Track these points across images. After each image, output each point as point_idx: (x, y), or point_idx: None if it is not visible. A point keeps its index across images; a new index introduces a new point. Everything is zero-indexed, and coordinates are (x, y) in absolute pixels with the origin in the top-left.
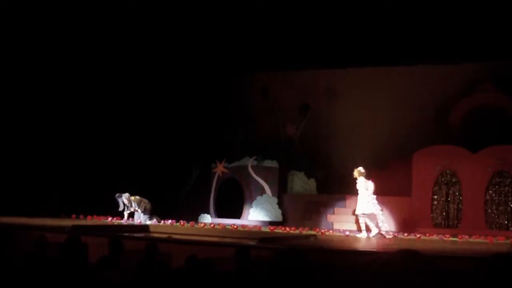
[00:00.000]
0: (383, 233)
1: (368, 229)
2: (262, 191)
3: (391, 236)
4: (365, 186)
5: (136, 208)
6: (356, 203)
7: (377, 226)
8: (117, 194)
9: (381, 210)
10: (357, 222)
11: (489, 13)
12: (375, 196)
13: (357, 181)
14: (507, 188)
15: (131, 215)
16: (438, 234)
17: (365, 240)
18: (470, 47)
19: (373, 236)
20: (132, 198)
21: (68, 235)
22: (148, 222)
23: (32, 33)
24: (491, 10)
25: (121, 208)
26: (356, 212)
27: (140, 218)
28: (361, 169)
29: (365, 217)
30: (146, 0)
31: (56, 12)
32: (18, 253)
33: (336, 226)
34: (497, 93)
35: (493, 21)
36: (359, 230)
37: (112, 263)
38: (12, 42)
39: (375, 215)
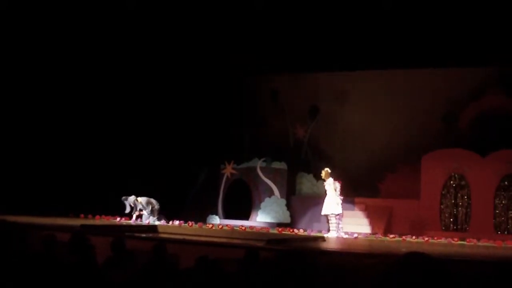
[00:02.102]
0: (342, 233)
1: (329, 229)
2: (270, 193)
3: (352, 237)
4: (333, 187)
5: (144, 211)
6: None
7: (337, 226)
8: (123, 197)
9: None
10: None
11: (497, 17)
12: (342, 197)
13: (325, 182)
14: None
15: (140, 216)
16: (446, 237)
17: (332, 239)
18: (479, 51)
19: (332, 236)
20: (139, 199)
21: (73, 233)
22: (157, 223)
23: (32, 33)
24: (499, 14)
25: (127, 211)
26: (325, 213)
27: (149, 219)
28: (328, 170)
29: (332, 217)
30: (157, 2)
31: (56, 12)
32: (26, 252)
33: (345, 228)
34: (505, 97)
35: (501, 25)
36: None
37: (117, 264)
38: (12, 42)
39: (342, 215)
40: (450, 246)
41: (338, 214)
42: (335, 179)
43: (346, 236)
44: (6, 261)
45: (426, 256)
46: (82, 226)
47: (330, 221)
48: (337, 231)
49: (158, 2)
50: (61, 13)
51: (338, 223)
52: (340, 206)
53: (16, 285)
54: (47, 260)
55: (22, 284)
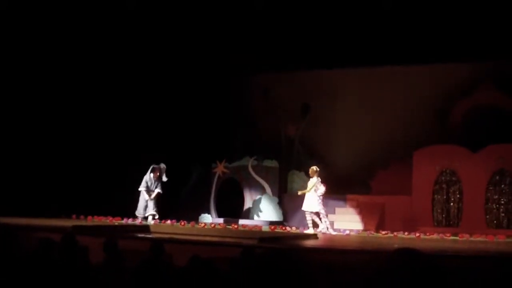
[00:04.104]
0: (326, 230)
1: (315, 225)
2: (262, 191)
3: (343, 234)
4: (315, 187)
5: (164, 179)
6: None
7: (313, 223)
8: (153, 166)
9: (324, 210)
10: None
11: (489, 13)
12: (322, 197)
13: (310, 178)
14: (507, 186)
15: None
16: (438, 233)
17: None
18: (470, 47)
19: (321, 231)
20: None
21: (63, 235)
22: (151, 220)
23: (32, 33)
24: (491, 9)
25: (143, 186)
26: (304, 209)
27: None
28: (316, 168)
29: (312, 214)
30: (147, 1)
31: (56, 12)
32: (19, 254)
33: (337, 225)
34: (497, 93)
35: (493, 20)
36: (314, 226)
37: (111, 264)
38: (12, 42)
39: (319, 213)
40: (442, 241)
41: (315, 212)
42: (322, 182)
43: (335, 233)
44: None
45: (417, 251)
46: (74, 227)
47: (307, 218)
48: (313, 227)
49: (149, 4)
50: (60, 13)
51: (324, 221)
52: (317, 204)
53: (11, 286)
54: (43, 262)
55: (17, 285)
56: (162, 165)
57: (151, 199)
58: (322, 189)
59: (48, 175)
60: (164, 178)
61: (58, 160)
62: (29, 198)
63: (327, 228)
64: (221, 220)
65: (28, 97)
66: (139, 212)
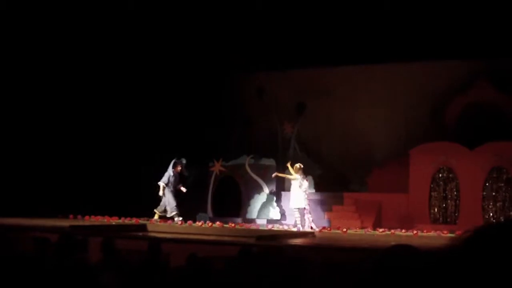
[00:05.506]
0: (311, 226)
1: (304, 223)
2: (259, 189)
3: (317, 229)
4: (299, 183)
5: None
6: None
7: (301, 220)
8: (175, 160)
9: (309, 206)
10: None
11: (484, 10)
12: (307, 192)
13: (293, 176)
14: (504, 184)
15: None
16: (435, 230)
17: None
18: (466, 44)
19: (300, 229)
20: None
21: (60, 234)
22: (175, 218)
23: (32, 33)
24: (486, 7)
25: (164, 181)
26: (291, 206)
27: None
28: (298, 165)
29: (297, 211)
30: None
31: (56, 12)
32: (15, 254)
33: (334, 223)
34: (493, 90)
35: (489, 18)
36: (309, 225)
37: (108, 264)
38: (11, 42)
39: (305, 209)
40: (439, 239)
41: (301, 208)
42: (304, 177)
43: (316, 229)
44: None
45: (412, 248)
46: (71, 226)
47: (296, 216)
48: (302, 225)
49: (143, 3)
50: (55, 12)
51: (307, 217)
52: (303, 200)
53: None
54: (39, 262)
55: (12, 286)
56: (184, 160)
57: (173, 198)
58: (306, 184)
59: (45, 174)
60: (185, 173)
61: (55, 160)
62: (25, 198)
63: (311, 224)
64: (218, 219)
65: (25, 96)
66: (170, 211)
